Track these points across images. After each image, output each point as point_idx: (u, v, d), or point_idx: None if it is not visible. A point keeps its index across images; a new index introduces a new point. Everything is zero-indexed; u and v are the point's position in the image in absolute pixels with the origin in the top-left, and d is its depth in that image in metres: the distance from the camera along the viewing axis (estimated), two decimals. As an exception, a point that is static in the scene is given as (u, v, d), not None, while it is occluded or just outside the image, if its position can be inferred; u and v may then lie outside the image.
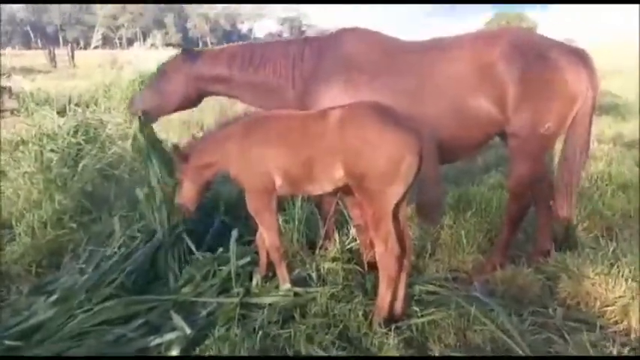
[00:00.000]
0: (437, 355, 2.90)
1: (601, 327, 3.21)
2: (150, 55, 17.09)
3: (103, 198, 4.97)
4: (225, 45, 4.27)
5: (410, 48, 3.66)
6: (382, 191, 2.90)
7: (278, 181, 3.21)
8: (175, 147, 3.49)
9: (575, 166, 3.66)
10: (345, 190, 3.70)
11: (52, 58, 30.94)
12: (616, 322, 3.27)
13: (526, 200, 3.80)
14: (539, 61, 3.36)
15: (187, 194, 3.53)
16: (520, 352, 2.89)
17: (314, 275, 3.64)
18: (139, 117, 4.06)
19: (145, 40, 18.73)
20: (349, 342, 2.95)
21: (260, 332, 2.89)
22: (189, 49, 4.15)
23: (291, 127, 3.16)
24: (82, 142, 5.34)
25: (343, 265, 3.75)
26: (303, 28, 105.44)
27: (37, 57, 34.09)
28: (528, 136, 3.47)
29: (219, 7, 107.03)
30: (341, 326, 2.99)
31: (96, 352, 2.78)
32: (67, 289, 3.38)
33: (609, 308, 3.34)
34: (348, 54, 3.64)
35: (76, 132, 5.49)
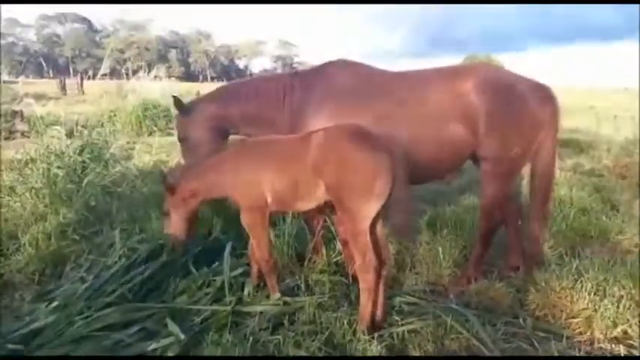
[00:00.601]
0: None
1: (567, 337, 3.18)
2: (154, 86, 17.15)
3: (105, 212, 4.89)
4: (219, 86, 4.30)
5: (391, 77, 3.70)
6: (359, 208, 2.89)
7: (269, 199, 3.18)
8: (164, 178, 3.46)
9: (544, 186, 3.69)
10: (332, 208, 3.69)
11: (63, 87, 30.83)
12: (580, 333, 3.24)
13: (496, 218, 3.81)
14: (507, 93, 3.42)
15: (176, 225, 3.51)
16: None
17: (302, 286, 3.59)
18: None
19: (149, 72, 18.70)
20: (334, 348, 2.88)
21: (251, 338, 2.80)
22: (180, 104, 4.14)
23: (277, 151, 3.18)
24: (88, 160, 5.25)
25: (330, 276, 3.70)
26: (294, 65, 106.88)
27: (48, 85, 33.99)
28: (498, 159, 3.51)
29: (218, 44, 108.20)
30: (327, 333, 2.92)
31: (94, 357, 2.67)
32: (68, 297, 3.27)
33: (574, 320, 3.32)
34: (333, 84, 3.67)
35: (82, 151, 5.41)
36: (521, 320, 3.32)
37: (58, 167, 4.85)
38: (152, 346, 2.81)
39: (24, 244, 4.26)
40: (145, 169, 7.04)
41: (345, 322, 3.05)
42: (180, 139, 4.24)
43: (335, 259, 4.04)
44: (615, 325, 3.22)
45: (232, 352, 2.66)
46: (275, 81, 3.95)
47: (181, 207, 3.45)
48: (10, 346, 2.64)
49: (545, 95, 3.51)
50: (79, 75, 36.88)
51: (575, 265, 3.83)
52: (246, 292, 3.41)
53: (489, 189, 3.66)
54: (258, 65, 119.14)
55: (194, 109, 4.13)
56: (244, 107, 3.93)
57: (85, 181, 4.83)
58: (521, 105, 3.41)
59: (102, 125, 10.73)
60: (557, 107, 3.54)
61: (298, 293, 3.50)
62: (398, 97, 3.53)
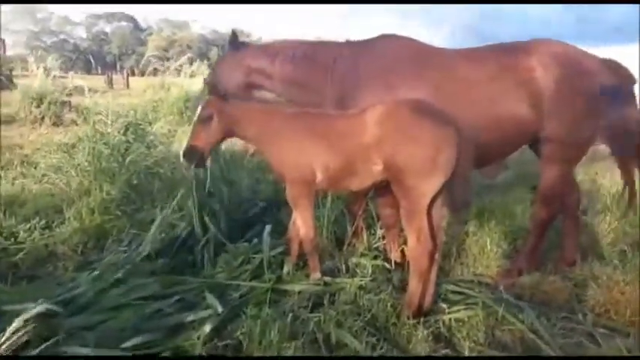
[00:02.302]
0: (468, 353, 2.63)
1: (631, 335, 2.91)
2: (194, 80, 17.43)
3: (147, 191, 4.91)
4: (272, 41, 4.13)
5: (448, 53, 3.49)
6: (419, 185, 2.72)
7: (319, 176, 3.04)
8: (211, 82, 3.31)
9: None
10: (377, 190, 3.52)
11: (110, 81, 31.88)
12: (642, 331, 2.97)
13: (555, 207, 3.54)
14: (574, 69, 3.15)
15: (211, 137, 3.14)
16: (551, 353, 2.62)
17: (342, 268, 3.45)
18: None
19: (190, 66, 19.04)
20: (377, 330, 2.72)
21: (290, 314, 2.69)
22: (235, 39, 3.99)
23: (333, 126, 3.02)
24: (132, 140, 5.29)
25: (371, 261, 3.54)
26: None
27: (96, 80, 35.19)
28: (562, 141, 3.24)
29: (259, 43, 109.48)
30: (369, 315, 2.77)
31: (132, 324, 2.62)
32: (107, 266, 3.26)
33: (637, 318, 3.04)
34: (386, 57, 3.48)
35: (126, 131, 5.46)
36: (580, 316, 3.07)
37: (104, 144, 4.90)
38: (190, 317, 2.75)
39: (68, 217, 4.32)
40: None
41: (389, 305, 2.90)
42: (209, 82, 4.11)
43: (375, 244, 3.90)
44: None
45: (271, 327, 2.55)
46: (325, 47, 3.76)
47: (224, 121, 3.13)
48: (49, 305, 2.61)
49: (614, 68, 3.21)
50: (125, 70, 38.11)
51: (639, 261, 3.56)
52: (285, 270, 3.30)
53: (550, 175, 3.39)
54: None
55: (242, 51, 3.96)
56: (290, 68, 3.74)
57: (128, 159, 4.85)
58: (590, 82, 3.14)
59: (146, 114, 11.06)
60: (632, 83, 3.24)
61: (338, 275, 3.36)
62: (455, 73, 3.30)
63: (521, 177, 6.61)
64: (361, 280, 3.15)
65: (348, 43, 3.72)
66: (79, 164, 5.04)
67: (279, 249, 3.51)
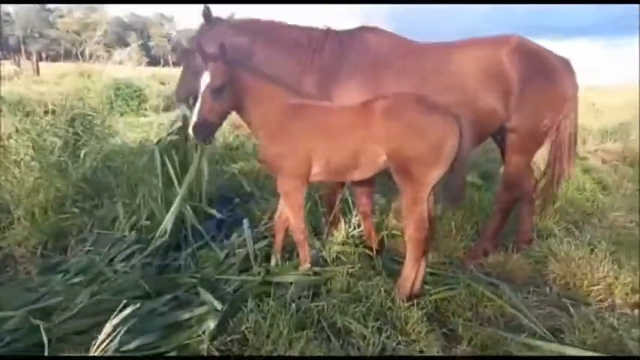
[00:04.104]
0: (461, 330, 2.82)
1: (588, 304, 3.27)
2: (115, 68, 16.46)
3: (103, 186, 4.63)
4: (250, 18, 3.89)
5: (424, 47, 3.63)
6: (424, 174, 2.85)
7: (315, 169, 3.07)
8: (222, 47, 3.00)
9: (565, 159, 3.75)
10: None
11: (18, 65, 29.11)
12: (601, 300, 3.34)
13: (517, 191, 3.85)
14: (540, 64, 3.43)
15: (223, 108, 2.98)
16: (531, 325, 2.88)
17: (327, 257, 3.52)
18: (189, 103, 3.70)
19: (110, 56, 17.92)
20: (375, 315, 2.83)
21: (293, 305, 2.71)
22: (209, 14, 3.78)
23: (335, 118, 3.04)
24: (80, 132, 4.94)
25: (352, 249, 3.65)
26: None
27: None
28: (527, 132, 3.53)
29: (180, 28, 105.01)
30: (370, 301, 2.86)
31: (130, 326, 2.50)
32: (83, 268, 3.07)
33: (594, 287, 3.42)
34: (367, 50, 3.55)
35: (72, 122, 5.08)
36: (547, 289, 3.39)
37: (57, 136, 4.53)
38: (186, 315, 2.68)
39: (18, 217, 3.98)
40: (130, 146, 6.73)
41: (383, 290, 3.02)
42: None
43: (352, 233, 4.01)
44: (635, 292, 3.35)
45: (277, 319, 2.57)
46: (308, 34, 3.71)
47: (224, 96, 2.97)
48: (35, 321, 2.43)
49: (570, 68, 3.55)
50: (33, 55, 34.91)
51: (588, 237, 3.98)
52: (273, 262, 3.31)
53: (515, 162, 3.68)
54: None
55: (218, 26, 3.78)
56: (273, 50, 3.65)
57: (83, 152, 4.54)
58: (554, 77, 3.43)
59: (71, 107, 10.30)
60: (577, 83, 3.59)
61: (325, 264, 3.43)
62: (431, 66, 3.46)
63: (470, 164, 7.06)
64: (352, 268, 3.24)
65: (330, 32, 3.72)
66: (21, 159, 4.62)
67: (264, 242, 3.50)
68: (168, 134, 3.90)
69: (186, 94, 3.75)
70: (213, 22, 3.80)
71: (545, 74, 3.42)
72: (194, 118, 2.94)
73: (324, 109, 3.15)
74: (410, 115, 2.86)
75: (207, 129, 2.98)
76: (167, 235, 3.43)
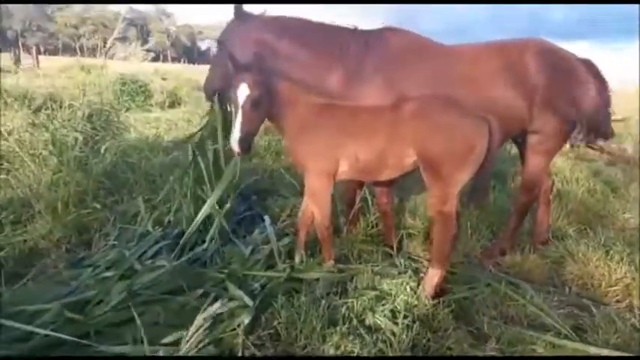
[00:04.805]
0: (486, 328, 2.87)
1: (606, 304, 3.33)
2: (115, 63, 16.47)
3: (122, 182, 4.67)
4: (279, 15, 3.88)
5: (447, 50, 3.68)
6: (454, 175, 2.90)
7: (343, 167, 3.11)
8: (257, 56, 3.12)
9: None
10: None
11: (17, 59, 28.98)
12: (618, 301, 3.40)
13: (536, 192, 3.91)
14: (564, 67, 3.49)
15: (261, 119, 3.07)
16: (554, 324, 2.93)
17: (349, 255, 3.58)
18: (218, 94, 3.72)
19: (107, 49, 17.91)
20: (404, 312, 2.88)
21: (323, 301, 2.76)
22: (240, 10, 3.80)
23: (365, 118, 3.08)
24: (99, 127, 4.98)
25: (375, 246, 3.70)
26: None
27: (-1, 59, 31.75)
28: (549, 134, 3.58)
29: (180, 24, 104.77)
30: (399, 299, 2.91)
31: (164, 319, 2.56)
32: (115, 262, 3.12)
33: (612, 288, 3.48)
34: (390, 51, 3.59)
35: (90, 117, 5.12)
36: (567, 289, 3.45)
37: (77, 132, 4.57)
38: (220, 309, 2.72)
39: (39, 211, 4.02)
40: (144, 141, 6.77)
41: (409, 288, 3.07)
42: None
43: (370, 232, 4.07)
44: (652, 293, 3.41)
45: (311, 313, 2.62)
46: (334, 33, 3.73)
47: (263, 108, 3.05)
48: (71, 314, 2.48)
49: (592, 70, 3.60)
50: (33, 48, 34.79)
51: (603, 239, 4.04)
52: (297, 259, 3.36)
53: (534, 164, 3.73)
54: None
55: (250, 22, 3.79)
56: (299, 48, 3.66)
57: (104, 148, 4.58)
58: (577, 80, 3.49)
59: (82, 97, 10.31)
60: (605, 84, 3.63)
61: (348, 262, 3.48)
62: (456, 70, 3.50)
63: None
64: (376, 266, 3.29)
65: (356, 32, 3.75)
66: (40, 153, 4.66)
67: (287, 239, 3.55)
68: (200, 129, 3.93)
69: (213, 90, 3.78)
70: (243, 18, 3.82)
71: (567, 77, 3.48)
72: (237, 134, 2.97)
73: (353, 109, 3.19)
74: (440, 116, 2.91)
75: (250, 141, 3.05)
76: (197, 232, 3.47)
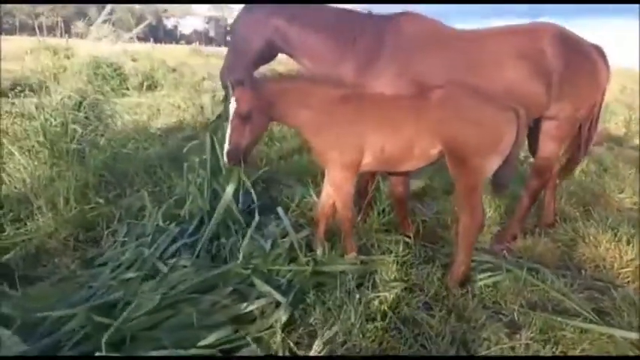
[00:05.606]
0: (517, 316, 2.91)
1: (618, 286, 3.43)
2: (78, 43, 15.68)
3: (121, 173, 4.49)
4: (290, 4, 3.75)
5: (463, 35, 3.63)
6: (481, 164, 2.89)
7: (367, 158, 3.06)
8: (250, 76, 3.11)
9: (587, 147, 3.89)
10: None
11: (-26, 40, 27.41)
12: (628, 282, 3.50)
13: (547, 177, 3.97)
14: (579, 53, 3.50)
15: (254, 131, 3.02)
16: (577, 308, 3.00)
17: (369, 246, 3.57)
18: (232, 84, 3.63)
19: (67, 29, 17.06)
20: (437, 303, 2.89)
21: (357, 296, 2.74)
22: None
23: (390, 108, 3.03)
24: (92, 117, 4.76)
25: (394, 236, 3.69)
26: (228, 28, 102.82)
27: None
28: (564, 120, 3.61)
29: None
30: (433, 290, 2.91)
31: (196, 320, 2.48)
32: (135, 261, 3.01)
33: (623, 270, 3.58)
34: (409, 37, 3.52)
35: (79, 106, 4.88)
36: (583, 272, 3.53)
37: (75, 122, 4.34)
38: (249, 307, 2.67)
39: (39, 207, 3.83)
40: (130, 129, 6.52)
41: (435, 277, 3.08)
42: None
43: (383, 220, 4.06)
44: (662, 274, 3.53)
45: (350, 310, 2.59)
46: (348, 19, 3.64)
47: (264, 113, 3.03)
48: (100, 318, 2.38)
49: (605, 57, 3.63)
50: (-9, 28, 32.98)
51: (610, 220, 4.15)
52: (319, 252, 3.31)
53: (549, 149, 3.76)
54: (189, 26, 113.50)
55: (259, 9, 3.68)
56: (311, 35, 3.57)
57: (104, 138, 4.37)
58: (591, 66, 3.51)
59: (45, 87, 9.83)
60: (609, 70, 3.68)
61: (370, 253, 3.47)
62: (472, 55, 3.46)
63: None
64: (401, 257, 3.29)
65: (371, 17, 3.66)
66: (32, 146, 4.42)
67: (305, 232, 3.50)
68: (217, 117, 3.80)
69: (227, 76, 3.64)
70: (252, 6, 3.69)
71: (583, 63, 3.50)
72: (226, 145, 3.01)
73: (377, 98, 3.13)
74: (468, 106, 2.89)
75: (240, 153, 3.01)
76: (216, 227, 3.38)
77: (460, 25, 3.78)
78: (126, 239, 3.50)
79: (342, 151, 3.03)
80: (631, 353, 2.64)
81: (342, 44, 3.55)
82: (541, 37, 3.47)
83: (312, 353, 2.37)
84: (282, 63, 5.87)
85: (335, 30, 3.58)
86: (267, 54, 3.78)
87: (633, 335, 2.72)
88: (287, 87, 3.08)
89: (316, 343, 2.43)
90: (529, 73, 3.42)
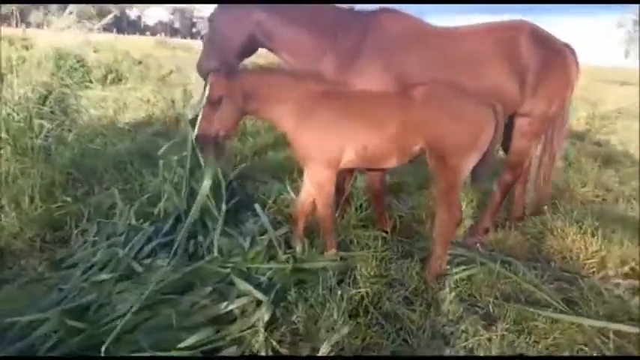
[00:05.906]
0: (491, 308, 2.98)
1: (584, 277, 3.57)
2: (38, 33, 15.02)
3: (89, 170, 4.34)
4: None
5: (443, 32, 3.66)
6: (461, 161, 2.93)
7: (349, 156, 3.04)
8: (228, 67, 3.03)
9: (557, 144, 4.01)
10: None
11: None
12: (593, 273, 3.65)
13: (519, 172, 4.07)
14: (552, 51, 3.59)
15: (225, 120, 2.92)
16: (548, 299, 3.10)
17: (346, 242, 3.57)
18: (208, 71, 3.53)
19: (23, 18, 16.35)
20: (416, 297, 2.93)
21: (339, 292, 2.74)
22: None
23: (372, 105, 3.02)
24: (57, 111, 4.56)
25: (371, 232, 3.72)
26: (194, 20, 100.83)
27: None
28: (537, 117, 3.70)
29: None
30: (414, 285, 2.95)
31: (175, 321, 2.43)
32: (109, 262, 2.91)
33: (588, 261, 3.73)
34: (389, 34, 3.52)
35: (45, 100, 4.67)
36: (552, 264, 3.66)
37: (40, 117, 4.14)
38: (230, 306, 2.63)
39: (1, 206, 3.66)
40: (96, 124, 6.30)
41: (414, 272, 3.12)
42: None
43: (359, 215, 4.08)
44: (623, 264, 3.70)
45: (332, 307, 2.60)
46: (330, 14, 3.61)
47: (238, 100, 2.94)
48: (73, 323, 2.29)
49: (574, 55, 3.75)
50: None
51: (575, 213, 4.31)
52: (299, 249, 3.29)
53: (520, 145, 3.85)
54: (154, 17, 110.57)
55: (238, 5, 3.61)
56: (293, 30, 3.53)
57: (71, 135, 4.19)
58: (563, 63, 3.62)
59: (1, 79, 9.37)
60: (579, 69, 3.81)
61: (345, 249, 3.47)
62: (450, 52, 3.50)
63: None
64: (380, 252, 3.31)
65: (352, 13, 3.64)
66: (-8, 142, 4.20)
67: (284, 229, 3.47)
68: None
69: (206, 69, 3.55)
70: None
71: (556, 61, 3.59)
72: (195, 131, 2.95)
73: (359, 95, 3.12)
74: (448, 104, 2.92)
75: (209, 140, 2.95)
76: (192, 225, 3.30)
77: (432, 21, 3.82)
78: (96, 239, 3.38)
79: (322, 149, 3.01)
80: (598, 341, 2.76)
81: (323, 40, 3.52)
82: (517, 35, 3.54)
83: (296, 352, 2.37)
84: (262, 56, 5.77)
85: (316, 25, 3.55)
86: (249, 48, 3.71)
87: (600, 324, 2.84)
88: (266, 79, 3.02)
89: (324, 346, 2.40)
90: (505, 71, 3.49)
